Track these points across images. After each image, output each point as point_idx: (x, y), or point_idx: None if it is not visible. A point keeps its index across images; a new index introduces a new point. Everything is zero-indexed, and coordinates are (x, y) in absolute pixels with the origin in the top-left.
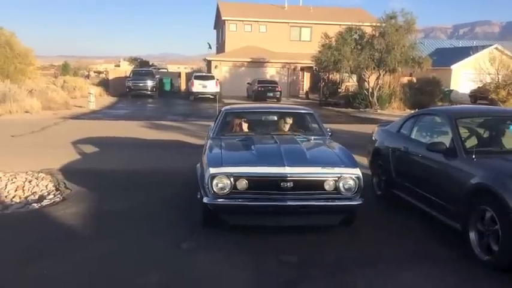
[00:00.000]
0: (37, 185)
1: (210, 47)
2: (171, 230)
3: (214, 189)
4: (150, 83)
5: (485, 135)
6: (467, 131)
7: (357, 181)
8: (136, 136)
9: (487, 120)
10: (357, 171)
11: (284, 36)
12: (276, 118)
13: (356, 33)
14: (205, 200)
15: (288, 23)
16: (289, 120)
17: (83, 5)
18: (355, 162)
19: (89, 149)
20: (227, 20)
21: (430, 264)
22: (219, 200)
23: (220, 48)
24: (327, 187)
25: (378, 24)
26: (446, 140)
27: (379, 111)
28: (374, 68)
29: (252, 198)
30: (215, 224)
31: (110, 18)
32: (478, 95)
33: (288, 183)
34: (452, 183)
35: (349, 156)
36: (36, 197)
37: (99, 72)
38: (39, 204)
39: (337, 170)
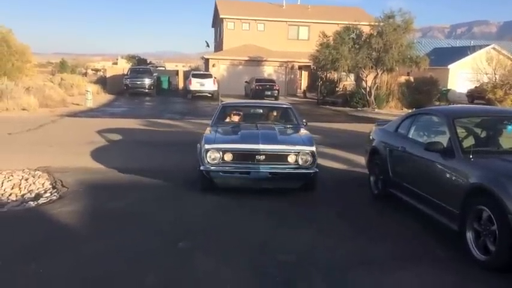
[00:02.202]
0: (33, 183)
1: (208, 45)
2: (169, 229)
3: (208, 160)
4: (147, 81)
5: (483, 135)
6: (464, 130)
7: (312, 156)
8: (134, 134)
9: (485, 120)
10: (312, 148)
11: (282, 35)
12: (262, 111)
13: (354, 32)
14: (201, 167)
15: (286, 21)
16: (273, 113)
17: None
18: (313, 143)
19: (86, 147)
20: (225, 18)
21: (427, 264)
22: (211, 167)
23: (218, 46)
24: (290, 160)
25: (376, 24)
26: (443, 139)
27: (376, 110)
28: (372, 67)
29: (235, 166)
30: (210, 188)
31: (108, 15)
32: (475, 95)
33: (261, 156)
34: (450, 183)
35: (310, 138)
36: (33, 195)
37: (97, 70)
38: (36, 203)
39: (297, 147)
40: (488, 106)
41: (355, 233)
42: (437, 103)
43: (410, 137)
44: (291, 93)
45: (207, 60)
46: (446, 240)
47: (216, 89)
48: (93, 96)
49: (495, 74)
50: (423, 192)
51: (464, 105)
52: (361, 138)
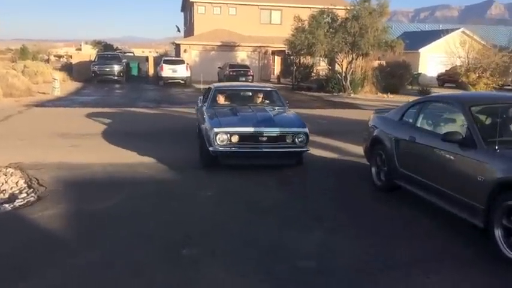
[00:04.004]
0: (6, 182)
1: (178, 30)
2: (168, 232)
3: (217, 142)
4: (116, 68)
5: (502, 123)
6: (481, 119)
7: (305, 136)
8: (111, 124)
9: (503, 107)
10: (306, 130)
11: (254, 19)
12: (250, 94)
13: (329, 16)
14: (210, 148)
15: (257, 5)
16: (260, 95)
17: None
18: (305, 124)
19: (59, 139)
20: (195, 2)
21: (453, 265)
22: (220, 148)
23: (189, 31)
24: (288, 140)
25: (352, 7)
26: (455, 128)
27: (352, 95)
28: (348, 51)
29: (241, 146)
30: (212, 164)
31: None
32: (445, 78)
33: (263, 138)
34: (471, 176)
35: (301, 120)
36: (6, 195)
37: (60, 56)
38: (11, 205)
39: (294, 129)
40: (500, 93)
41: (367, 232)
42: (410, 87)
43: (419, 126)
44: (264, 78)
45: (178, 46)
46: (463, 236)
47: (188, 75)
48: (60, 84)
49: (468, 57)
50: (439, 186)
51: (478, 92)
52: (341, 125)
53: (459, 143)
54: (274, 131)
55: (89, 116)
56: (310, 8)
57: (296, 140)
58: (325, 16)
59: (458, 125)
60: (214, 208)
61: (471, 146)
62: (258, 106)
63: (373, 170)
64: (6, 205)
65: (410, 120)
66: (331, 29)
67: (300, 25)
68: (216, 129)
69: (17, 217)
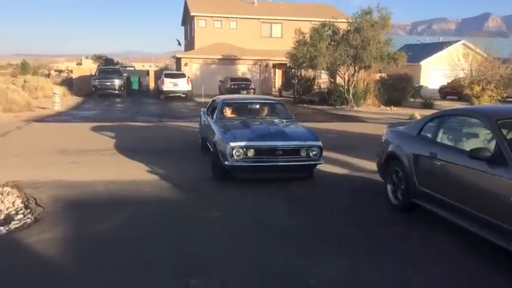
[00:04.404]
0: (2, 202)
1: (179, 44)
2: (174, 259)
3: (234, 156)
4: (117, 82)
5: None
6: (507, 134)
7: (319, 149)
8: (112, 139)
9: None
10: (319, 143)
11: (255, 33)
12: (257, 106)
13: (330, 28)
14: (226, 163)
15: (258, 19)
16: (267, 108)
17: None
18: (318, 138)
19: (59, 156)
20: (196, 16)
21: None
22: (235, 163)
23: (189, 45)
24: (302, 154)
25: (353, 20)
26: (479, 143)
27: (355, 108)
28: (350, 64)
29: (257, 160)
30: (224, 177)
31: (70, 15)
32: (447, 91)
33: (279, 151)
34: (502, 196)
35: (314, 134)
36: (2, 216)
37: (60, 71)
38: (7, 228)
39: (308, 143)
40: None
41: (393, 258)
42: (412, 100)
43: (440, 141)
44: (265, 91)
45: (178, 60)
46: (493, 260)
47: (190, 89)
48: (61, 99)
49: (471, 69)
50: (464, 206)
51: (499, 104)
52: (351, 139)
53: (487, 160)
54: (290, 144)
55: (90, 131)
56: (310, 21)
57: (310, 153)
58: (326, 29)
59: (481, 139)
60: (222, 230)
61: (501, 163)
62: (266, 119)
63: (389, 187)
64: (1, 228)
65: (430, 135)
66: (333, 42)
67: (302, 38)
68: (232, 144)
69: (12, 241)
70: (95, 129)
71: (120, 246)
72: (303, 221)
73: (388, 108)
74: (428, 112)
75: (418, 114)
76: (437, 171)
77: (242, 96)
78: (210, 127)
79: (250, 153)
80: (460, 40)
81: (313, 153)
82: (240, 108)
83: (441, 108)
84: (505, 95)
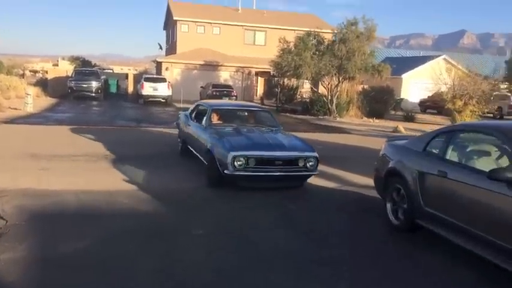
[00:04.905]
0: None
1: (161, 48)
2: (159, 284)
3: (235, 165)
4: (94, 84)
5: None
6: None
7: (316, 160)
8: (87, 145)
9: None
10: (316, 154)
11: (238, 40)
12: (246, 114)
13: (315, 38)
14: (226, 171)
15: (242, 26)
16: (255, 116)
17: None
18: (314, 148)
19: (28, 161)
20: (179, 20)
21: None
22: (236, 172)
23: (171, 49)
24: (300, 164)
25: (338, 30)
26: (491, 162)
27: (338, 119)
28: (335, 74)
29: (257, 170)
30: (217, 185)
31: (48, 15)
32: (428, 104)
33: (278, 162)
34: None
35: (309, 145)
36: None
37: (35, 71)
38: None
39: (305, 154)
40: None
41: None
42: (393, 112)
43: (449, 158)
44: (247, 99)
45: (159, 64)
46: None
47: (170, 94)
48: (34, 100)
49: (454, 84)
50: (478, 230)
51: (507, 121)
52: (337, 151)
53: (508, 181)
54: (289, 155)
55: (64, 135)
56: (294, 30)
57: (307, 164)
58: (311, 38)
59: (493, 158)
60: (208, 252)
61: None
62: (257, 127)
63: (389, 206)
64: None
65: (437, 152)
66: (317, 52)
67: (286, 46)
68: (233, 153)
69: None
70: (69, 133)
71: (91, 271)
72: (297, 242)
73: (371, 120)
74: (410, 125)
75: (402, 127)
76: (447, 192)
77: (230, 102)
78: (197, 133)
79: (251, 162)
80: (441, 55)
81: (310, 163)
82: (229, 115)
83: (423, 121)
84: (486, 110)
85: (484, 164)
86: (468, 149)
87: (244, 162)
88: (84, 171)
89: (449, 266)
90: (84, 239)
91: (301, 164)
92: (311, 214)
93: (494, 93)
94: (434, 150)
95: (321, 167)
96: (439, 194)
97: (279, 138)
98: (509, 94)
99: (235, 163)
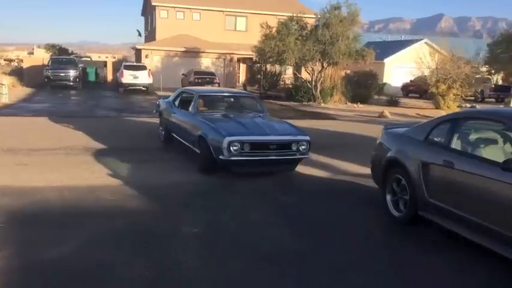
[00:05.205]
0: None
1: (139, 35)
2: None
3: (231, 150)
4: (72, 73)
5: None
6: None
7: (308, 144)
8: (68, 137)
9: None
10: (308, 138)
11: (219, 25)
12: (233, 100)
13: (298, 23)
14: (221, 157)
15: (223, 11)
16: (242, 101)
17: None
18: (305, 132)
19: (5, 156)
20: (158, 6)
21: None
22: (232, 157)
23: (150, 36)
24: (293, 148)
25: (321, 15)
26: (500, 151)
27: (322, 104)
28: (318, 60)
29: (252, 154)
30: (210, 171)
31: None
32: (409, 88)
33: (273, 145)
34: None
35: (300, 129)
36: None
37: (10, 60)
38: None
39: (298, 137)
40: None
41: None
42: (376, 97)
43: (455, 147)
44: (230, 86)
45: (138, 51)
46: None
47: (150, 81)
48: (9, 90)
49: (437, 68)
50: (488, 223)
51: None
52: (326, 138)
53: None
54: (283, 139)
55: (42, 126)
56: (276, 15)
57: (300, 147)
58: (294, 23)
59: (501, 146)
60: (205, 256)
61: None
62: (244, 112)
63: (389, 197)
64: None
65: (441, 140)
66: (300, 37)
67: (268, 32)
68: (229, 138)
69: None
70: (47, 124)
71: (75, 282)
72: (297, 240)
73: (355, 105)
74: (395, 110)
75: (388, 111)
76: (454, 183)
77: (215, 89)
78: (184, 120)
79: (246, 147)
80: (422, 39)
81: (303, 147)
82: (216, 101)
83: (407, 106)
84: (469, 93)
85: (493, 154)
86: (474, 138)
87: (240, 147)
88: (66, 166)
89: (456, 267)
90: (66, 244)
91: (294, 147)
92: (308, 208)
93: (476, 77)
94: (437, 139)
95: (312, 156)
96: (445, 185)
97: (270, 123)
98: (490, 77)
99: (231, 148)
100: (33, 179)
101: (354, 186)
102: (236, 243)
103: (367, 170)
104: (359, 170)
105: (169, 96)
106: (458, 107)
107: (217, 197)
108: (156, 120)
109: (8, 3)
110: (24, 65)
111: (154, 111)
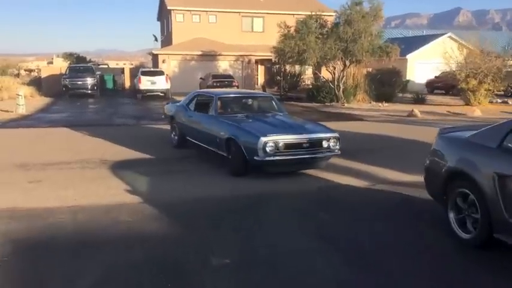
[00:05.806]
0: None
1: (156, 40)
2: None
3: (267, 150)
4: (90, 81)
5: None
6: None
7: (337, 140)
8: (85, 149)
9: None
10: (337, 134)
11: (235, 27)
12: (252, 101)
13: (317, 21)
14: (256, 158)
15: (239, 12)
16: (261, 103)
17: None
18: (333, 129)
19: (17, 172)
20: (173, 9)
21: None
22: (266, 158)
23: (167, 41)
24: (324, 145)
25: (342, 12)
26: None
27: (346, 105)
28: (341, 58)
29: (287, 154)
30: (242, 173)
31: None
32: (435, 85)
33: (306, 144)
34: None
35: (326, 126)
36: None
37: (31, 70)
38: None
39: (328, 134)
40: None
41: None
42: (401, 95)
43: None
44: (248, 89)
45: (155, 56)
46: None
47: (168, 87)
48: (27, 100)
49: (466, 62)
50: None
51: None
52: (359, 142)
53: None
54: (315, 137)
55: (57, 138)
56: (293, 14)
57: (331, 144)
58: (313, 21)
59: None
60: None
61: None
62: (264, 113)
63: (452, 215)
64: None
65: None
66: (320, 35)
67: (287, 32)
68: (264, 138)
69: None
70: (63, 135)
71: None
72: (349, 271)
73: (380, 104)
74: (424, 107)
75: (418, 110)
76: None
77: (231, 90)
78: (204, 123)
79: (281, 147)
80: (445, 33)
81: (332, 144)
82: (236, 103)
83: (435, 103)
84: (502, 88)
85: None
86: None
87: (275, 146)
88: (81, 182)
89: None
90: (81, 281)
91: (325, 145)
92: (353, 227)
93: (508, 70)
94: None
95: (346, 162)
96: None
97: (297, 122)
98: None
99: (266, 148)
100: (46, 197)
101: (400, 197)
102: (278, 277)
103: (409, 177)
104: (400, 178)
105: (179, 101)
106: (489, 102)
107: (249, 215)
108: None
109: (26, 14)
110: (42, 75)
111: (163, 116)
